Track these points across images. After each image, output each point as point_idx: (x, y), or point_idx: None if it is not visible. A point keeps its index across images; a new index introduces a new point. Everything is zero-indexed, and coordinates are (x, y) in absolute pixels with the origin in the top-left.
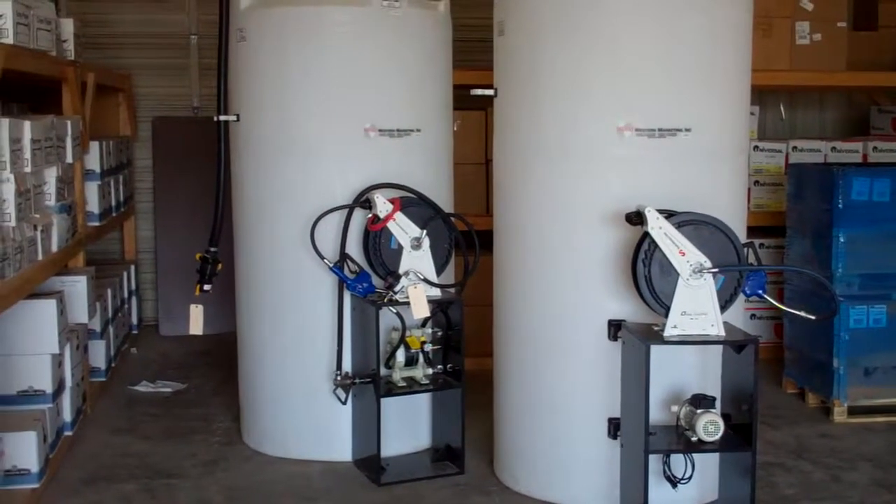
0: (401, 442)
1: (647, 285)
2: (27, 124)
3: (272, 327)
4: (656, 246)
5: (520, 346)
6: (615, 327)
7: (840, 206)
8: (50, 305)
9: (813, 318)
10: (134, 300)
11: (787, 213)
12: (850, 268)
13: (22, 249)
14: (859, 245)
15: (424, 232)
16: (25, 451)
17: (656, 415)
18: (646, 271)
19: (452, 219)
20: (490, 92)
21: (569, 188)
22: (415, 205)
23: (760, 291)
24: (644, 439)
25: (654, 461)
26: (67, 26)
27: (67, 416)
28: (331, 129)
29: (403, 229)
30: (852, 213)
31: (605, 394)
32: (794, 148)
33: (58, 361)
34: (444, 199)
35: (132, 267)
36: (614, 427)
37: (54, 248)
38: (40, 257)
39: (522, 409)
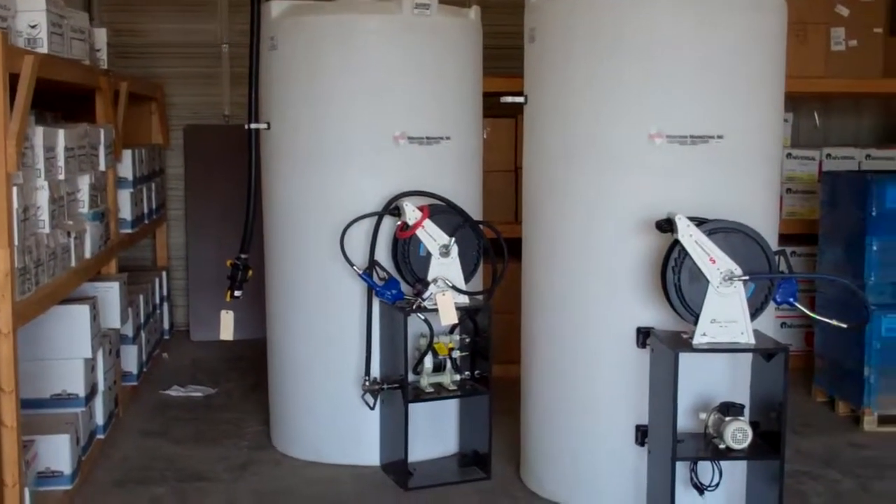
0: (428, 447)
1: (677, 293)
2: (61, 132)
3: (302, 333)
4: (686, 253)
5: (547, 352)
6: (644, 335)
7: (873, 213)
8: (83, 311)
9: (844, 326)
10: (165, 306)
11: (821, 221)
12: (883, 276)
13: (56, 256)
14: (892, 253)
15: (453, 239)
16: (58, 453)
17: (684, 422)
18: (675, 279)
19: (481, 226)
20: (520, 99)
21: (599, 195)
22: (444, 212)
23: (791, 299)
24: (672, 446)
25: (682, 468)
26: (101, 36)
27: (100, 419)
28: (360, 137)
29: (432, 236)
30: (886, 221)
31: (633, 400)
32: (828, 155)
33: (90, 366)
34: (473, 206)
35: (164, 273)
36: (642, 434)
37: (87, 254)
38: (73, 264)
39: (549, 416)
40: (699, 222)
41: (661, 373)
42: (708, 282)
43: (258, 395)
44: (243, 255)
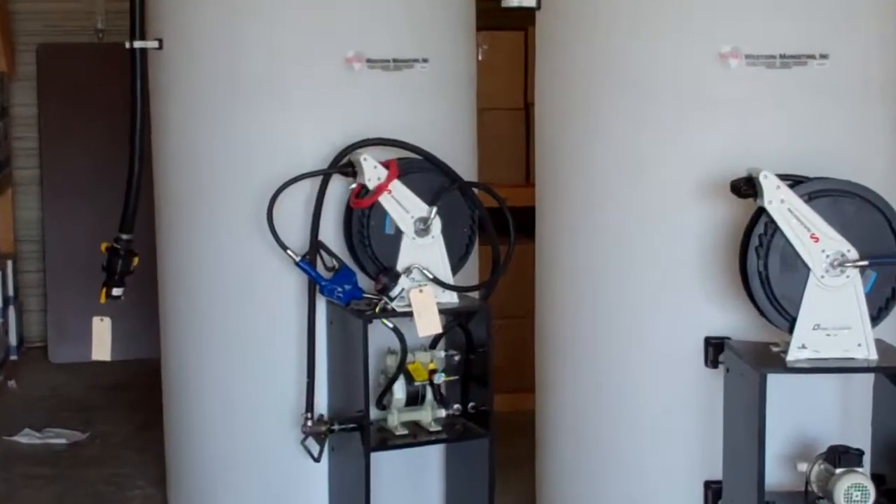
0: None
1: (763, 286)
2: None
3: (212, 351)
4: (776, 228)
5: (575, 375)
6: (714, 347)
7: None
8: None
9: None
10: (11, 312)
11: None
12: None
13: None
14: None
15: (434, 210)
16: None
17: (776, 475)
18: (760, 265)
19: (475, 190)
20: (531, 2)
21: (646, 145)
22: (420, 170)
23: None
24: None
25: None
26: None
27: None
28: (297, 61)
29: (403, 206)
30: None
31: (700, 445)
32: None
33: None
34: (463, 160)
35: (9, 263)
36: (713, 494)
37: None
38: None
39: (578, 468)
40: (794, 182)
41: (741, 403)
42: (808, 269)
43: (149, 441)
44: (125, 237)
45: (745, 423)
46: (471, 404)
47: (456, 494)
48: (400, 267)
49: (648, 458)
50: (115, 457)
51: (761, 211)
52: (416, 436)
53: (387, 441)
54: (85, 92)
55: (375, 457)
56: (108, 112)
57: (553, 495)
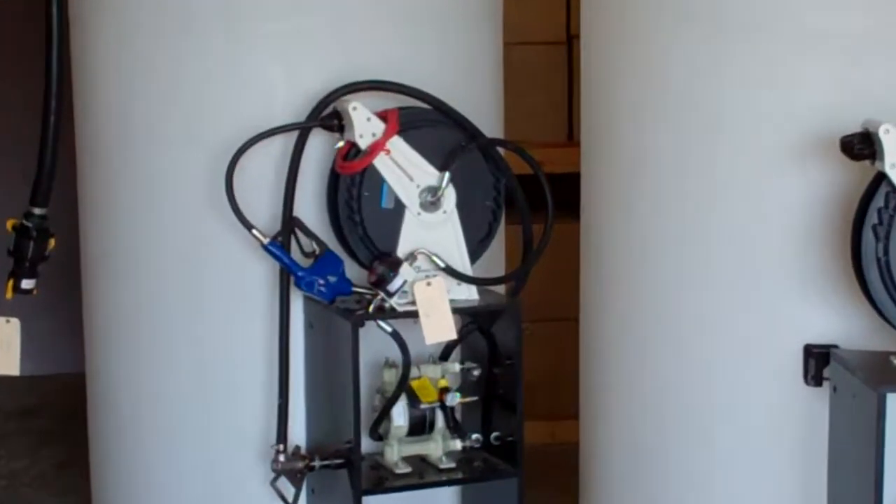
0: None
1: (882, 276)
2: None
3: (152, 364)
4: None
5: (632, 396)
6: (817, 359)
7: None
8: None
9: None
10: None
11: None
12: None
13: None
14: None
15: (447, 177)
16: None
17: None
18: (880, 249)
19: (501, 151)
20: None
21: (727, 93)
22: (429, 123)
23: None
24: None
25: None
26: None
27: None
28: None
29: (406, 172)
30: None
31: (796, 484)
32: None
33: None
34: (485, 112)
35: None
36: None
37: None
38: None
39: None
40: None
41: (852, 431)
42: None
43: (70, 483)
44: (37, 212)
45: (857, 457)
46: (494, 434)
47: None
48: (401, 252)
49: (729, 499)
50: (27, 502)
51: (881, 177)
52: (423, 475)
53: (384, 481)
54: None
55: (369, 501)
56: (16, 54)
57: None
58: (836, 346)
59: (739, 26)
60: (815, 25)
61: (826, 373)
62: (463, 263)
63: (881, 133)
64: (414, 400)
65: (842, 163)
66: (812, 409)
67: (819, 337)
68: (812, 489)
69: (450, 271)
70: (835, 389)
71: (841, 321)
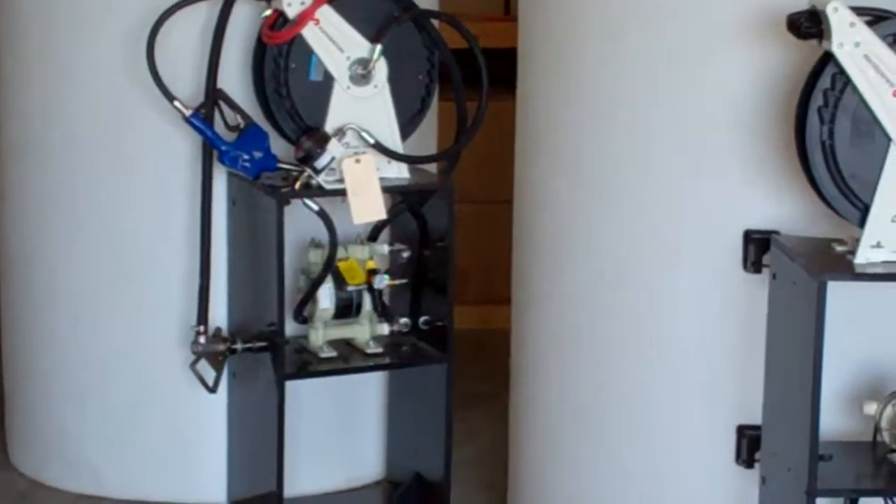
0: (326, 468)
1: (827, 160)
2: None
3: (66, 241)
4: (847, 81)
5: (564, 279)
6: (756, 245)
7: None
8: None
9: None
10: None
11: None
12: None
13: None
14: None
15: (379, 49)
16: None
17: (833, 420)
18: (824, 132)
19: (435, 23)
20: None
21: None
22: None
23: None
24: (808, 466)
25: None
26: None
27: None
28: None
29: (336, 43)
30: None
31: (733, 377)
32: None
33: None
34: None
35: None
36: (749, 443)
37: None
38: None
39: (566, 402)
40: (875, 18)
41: (791, 322)
42: (888, 140)
43: None
44: None
45: (796, 349)
46: (423, 318)
47: (400, 438)
48: (329, 127)
49: (663, 392)
50: None
51: (828, 57)
52: (349, 359)
53: (308, 366)
54: None
55: (292, 386)
56: None
57: (533, 440)
58: (776, 232)
59: None
60: None
61: (765, 259)
62: (394, 140)
63: (829, 11)
64: (340, 282)
65: (788, 42)
66: (750, 295)
67: (759, 223)
68: (750, 376)
69: (380, 148)
70: (774, 277)
71: (782, 207)
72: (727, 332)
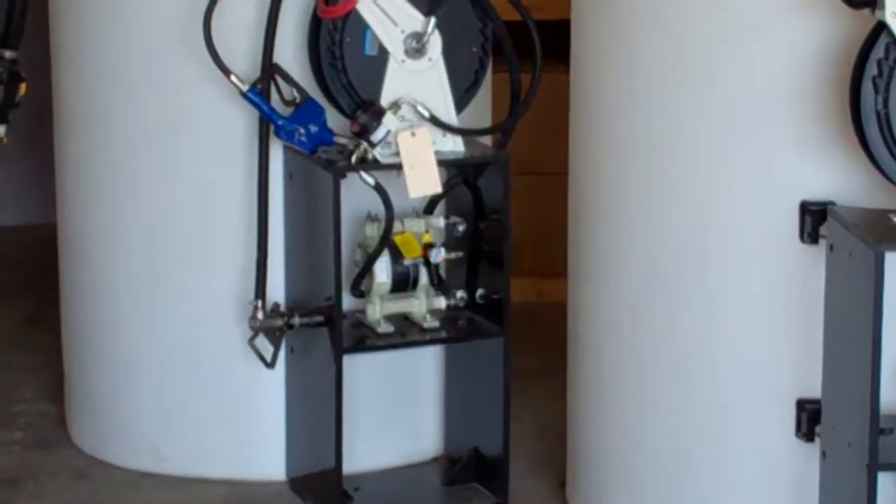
0: (384, 444)
1: (882, 130)
2: None
3: (125, 216)
4: None
5: (622, 253)
6: (813, 216)
7: None
8: None
9: None
10: None
11: None
12: None
13: None
14: None
15: (433, 22)
16: None
17: (895, 393)
18: (879, 102)
19: None
20: None
21: None
22: None
23: None
24: (869, 441)
25: (890, 481)
26: None
27: None
28: None
29: (390, 17)
30: None
31: (791, 351)
32: None
33: None
34: None
35: None
36: (809, 416)
37: None
38: None
39: (623, 380)
40: None
41: (849, 294)
42: None
43: (40, 339)
44: (8, 55)
45: (854, 321)
46: (480, 292)
47: (457, 412)
48: (384, 101)
49: (722, 366)
50: None
51: (882, 27)
52: (405, 334)
53: (365, 340)
54: None
55: (349, 361)
56: None
57: (591, 413)
58: (832, 203)
59: None
60: None
61: (822, 231)
62: (448, 113)
63: None
64: (397, 255)
65: (841, 11)
66: (807, 269)
67: (816, 194)
68: (809, 349)
69: (435, 121)
70: (831, 248)
71: (838, 178)
72: (785, 304)
